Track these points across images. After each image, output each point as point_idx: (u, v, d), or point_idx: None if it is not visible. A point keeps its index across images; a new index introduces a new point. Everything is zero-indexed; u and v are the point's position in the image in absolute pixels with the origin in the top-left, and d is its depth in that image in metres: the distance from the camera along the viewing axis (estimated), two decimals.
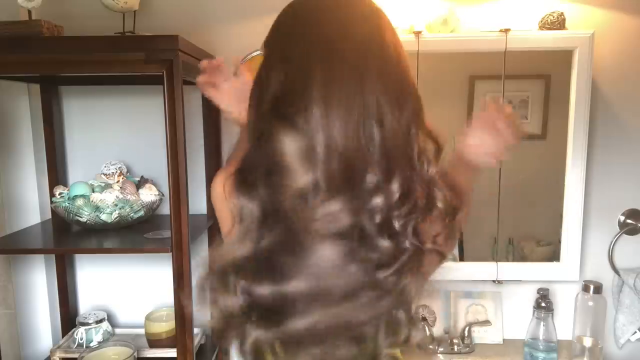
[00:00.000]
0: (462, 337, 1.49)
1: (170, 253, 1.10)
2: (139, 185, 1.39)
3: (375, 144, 0.56)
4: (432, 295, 0.65)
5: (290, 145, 0.55)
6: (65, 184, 1.45)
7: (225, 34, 1.45)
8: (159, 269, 1.53)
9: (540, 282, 1.49)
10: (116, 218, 1.29)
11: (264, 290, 0.57)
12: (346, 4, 0.64)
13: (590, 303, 1.44)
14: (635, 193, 1.49)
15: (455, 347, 1.48)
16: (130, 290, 1.57)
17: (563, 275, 1.48)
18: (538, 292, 1.45)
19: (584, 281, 1.46)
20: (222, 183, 0.73)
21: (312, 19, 0.63)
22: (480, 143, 0.81)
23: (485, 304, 1.54)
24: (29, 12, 1.14)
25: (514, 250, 1.53)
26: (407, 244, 0.57)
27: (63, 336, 1.49)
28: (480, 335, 1.53)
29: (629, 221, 1.49)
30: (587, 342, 1.44)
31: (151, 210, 1.38)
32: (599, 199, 1.49)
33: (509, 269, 1.49)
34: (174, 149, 1.05)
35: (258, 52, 0.70)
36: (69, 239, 1.35)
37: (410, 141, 0.59)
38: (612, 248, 1.50)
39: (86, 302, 1.59)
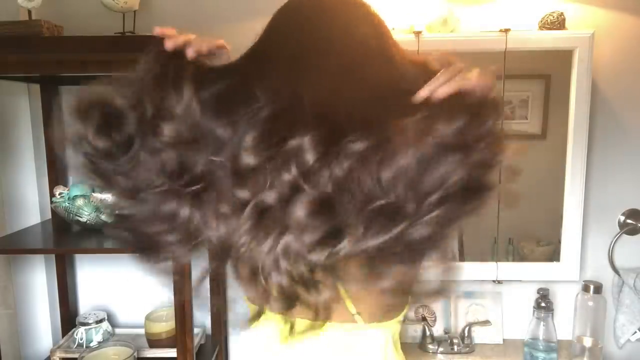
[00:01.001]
0: (462, 337, 1.49)
1: None
2: None
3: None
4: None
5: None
6: (65, 184, 1.45)
7: (226, 34, 1.42)
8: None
9: (540, 282, 1.49)
10: None
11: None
12: (336, 6, 0.66)
13: (590, 303, 1.44)
14: (635, 193, 1.49)
15: (455, 347, 1.48)
16: (130, 290, 1.57)
17: (563, 275, 1.48)
18: (538, 292, 1.45)
19: (584, 281, 1.46)
20: None
21: (306, 18, 0.66)
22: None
23: (485, 304, 1.54)
24: (29, 12, 1.14)
25: (514, 250, 1.53)
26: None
27: (63, 336, 1.49)
28: (480, 335, 1.53)
29: (629, 221, 1.49)
30: (587, 342, 1.44)
31: None
32: (599, 199, 1.48)
33: (509, 269, 1.49)
34: None
35: None
36: (69, 239, 1.35)
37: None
38: (612, 248, 1.49)
39: (86, 302, 1.59)
